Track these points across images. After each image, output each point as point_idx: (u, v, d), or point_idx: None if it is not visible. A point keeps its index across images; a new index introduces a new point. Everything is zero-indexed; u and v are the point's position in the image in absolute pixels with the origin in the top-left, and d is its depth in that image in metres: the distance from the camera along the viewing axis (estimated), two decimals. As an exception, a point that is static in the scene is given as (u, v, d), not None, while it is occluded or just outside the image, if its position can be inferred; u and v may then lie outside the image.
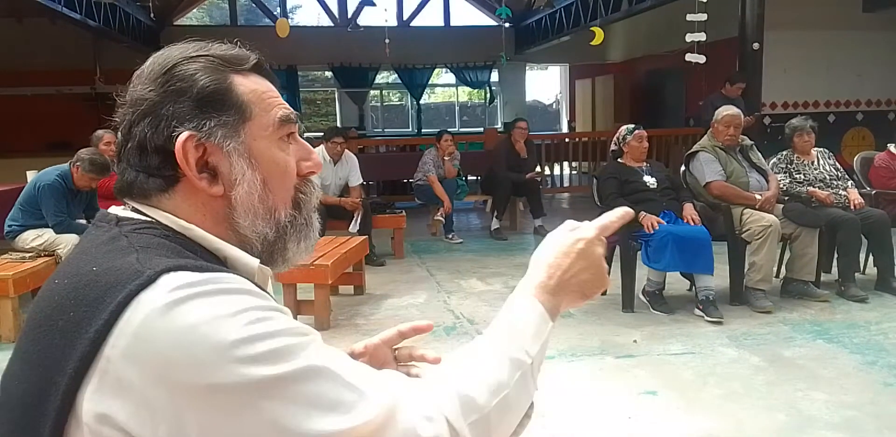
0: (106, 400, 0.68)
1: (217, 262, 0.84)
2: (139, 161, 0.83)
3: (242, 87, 0.86)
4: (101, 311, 0.69)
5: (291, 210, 0.91)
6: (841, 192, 4.81)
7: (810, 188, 4.74)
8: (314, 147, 5.64)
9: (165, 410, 0.66)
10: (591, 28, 8.66)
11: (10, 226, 4.61)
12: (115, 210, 0.87)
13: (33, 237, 4.52)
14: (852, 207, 4.68)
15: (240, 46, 0.91)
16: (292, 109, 0.91)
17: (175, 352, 0.66)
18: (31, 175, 5.04)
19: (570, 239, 0.93)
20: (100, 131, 5.47)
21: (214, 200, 0.85)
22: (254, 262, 0.87)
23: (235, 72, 0.87)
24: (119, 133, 0.86)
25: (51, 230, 4.52)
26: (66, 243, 4.47)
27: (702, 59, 6.68)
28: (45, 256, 4.44)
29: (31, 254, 4.44)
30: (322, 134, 6.49)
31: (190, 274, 0.72)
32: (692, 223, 4.31)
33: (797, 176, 4.85)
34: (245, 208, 0.86)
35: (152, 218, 0.84)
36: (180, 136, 0.81)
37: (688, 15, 6.64)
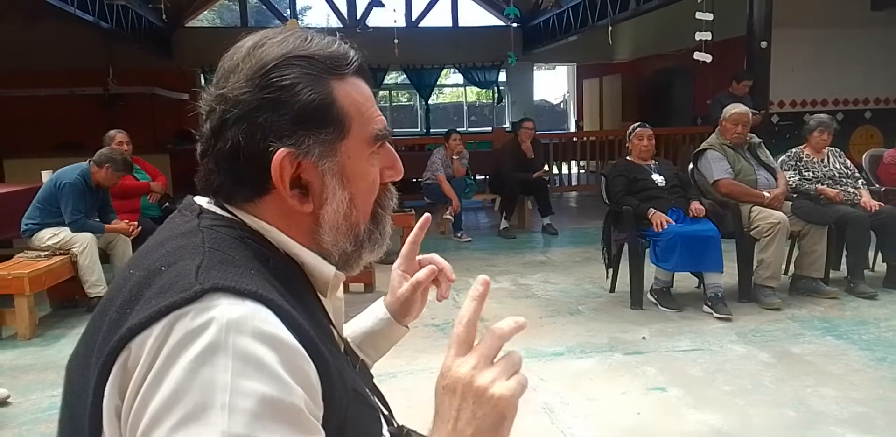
0: (115, 397, 0.70)
1: (293, 266, 0.85)
2: (230, 167, 0.81)
3: (344, 99, 0.83)
4: (141, 311, 0.70)
5: (370, 225, 0.91)
6: (850, 189, 4.81)
7: (819, 186, 4.74)
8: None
9: (143, 422, 0.67)
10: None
11: (27, 224, 4.67)
12: (200, 201, 0.86)
13: (49, 236, 4.57)
14: (868, 210, 4.66)
15: (339, 40, 0.86)
16: (385, 122, 0.89)
17: (165, 390, 0.66)
18: (45, 175, 5.09)
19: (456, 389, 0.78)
20: (112, 132, 5.52)
21: (301, 215, 0.84)
22: (330, 270, 0.88)
23: (337, 77, 0.83)
24: (206, 125, 0.82)
25: (67, 229, 4.57)
26: (82, 242, 4.52)
27: (708, 57, 6.69)
28: (60, 254, 4.49)
29: (46, 252, 4.49)
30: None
31: (231, 305, 0.70)
32: (697, 214, 4.33)
33: (806, 173, 4.86)
34: (330, 226, 0.85)
35: (235, 216, 0.83)
36: (278, 152, 0.79)
37: (697, 13, 6.65)
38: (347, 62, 0.84)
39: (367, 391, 0.96)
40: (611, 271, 4.81)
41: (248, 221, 0.83)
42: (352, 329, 1.18)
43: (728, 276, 4.39)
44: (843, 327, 3.99)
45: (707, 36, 6.64)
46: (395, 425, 1.03)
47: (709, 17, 6.63)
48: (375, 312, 1.20)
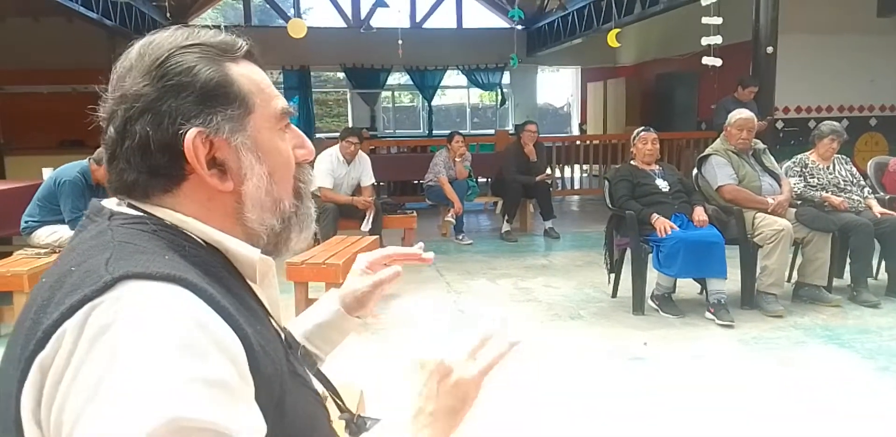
0: (31, 400, 0.68)
1: (215, 255, 0.83)
2: (142, 161, 0.80)
3: (242, 77, 0.85)
4: (54, 312, 0.69)
5: (294, 200, 0.91)
6: (855, 197, 4.79)
7: (824, 194, 4.72)
8: (328, 148, 5.60)
9: (64, 418, 0.65)
10: (609, 34, 8.64)
11: (26, 222, 4.65)
12: (109, 204, 0.85)
13: (48, 234, 4.56)
14: (877, 217, 4.64)
15: (224, 31, 0.89)
16: (285, 100, 0.91)
17: (90, 376, 0.64)
18: (46, 172, 5.08)
19: (428, 384, 0.88)
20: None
21: (222, 195, 0.83)
22: (255, 253, 0.86)
23: (230, 60, 0.85)
24: (110, 129, 0.82)
25: (66, 227, 4.56)
26: (81, 239, 4.50)
27: (718, 62, 6.68)
28: (59, 252, 4.46)
29: (45, 250, 4.47)
30: (338, 134, 6.53)
31: (145, 291, 0.69)
32: (701, 225, 4.31)
33: (811, 180, 4.83)
34: (254, 202, 0.85)
35: (147, 212, 0.82)
36: (188, 132, 0.79)
37: (703, 18, 6.64)
38: (238, 46, 0.87)
39: (311, 376, 0.97)
40: (613, 275, 4.78)
41: (163, 215, 0.82)
42: (302, 321, 1.19)
43: (730, 282, 4.36)
44: (846, 335, 3.97)
45: (716, 40, 6.62)
46: (349, 412, 1.06)
47: (717, 21, 6.61)
48: (327, 304, 1.21)
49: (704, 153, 4.83)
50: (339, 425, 1.04)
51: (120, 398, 0.63)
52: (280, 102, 0.89)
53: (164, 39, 0.84)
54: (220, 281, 0.80)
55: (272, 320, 0.91)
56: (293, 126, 0.93)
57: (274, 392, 0.78)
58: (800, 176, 4.84)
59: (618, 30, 8.73)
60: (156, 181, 0.82)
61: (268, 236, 0.88)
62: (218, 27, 0.89)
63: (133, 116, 0.80)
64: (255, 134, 0.85)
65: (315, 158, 1.27)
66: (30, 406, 0.68)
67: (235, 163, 0.83)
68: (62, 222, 4.59)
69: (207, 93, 0.81)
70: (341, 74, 14.62)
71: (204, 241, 0.83)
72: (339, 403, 1.04)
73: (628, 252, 4.53)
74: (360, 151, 6.20)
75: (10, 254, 4.52)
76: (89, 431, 0.62)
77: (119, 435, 0.61)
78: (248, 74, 0.86)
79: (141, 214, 0.82)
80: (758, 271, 4.43)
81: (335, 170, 6.00)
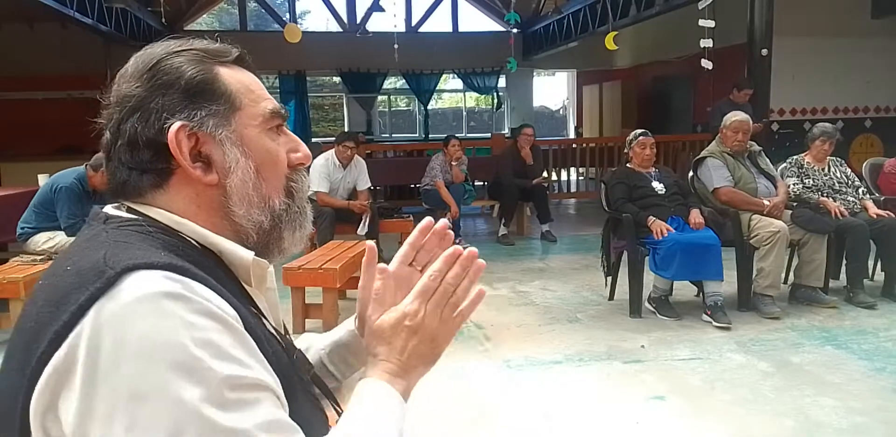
0: (46, 399, 0.68)
1: (210, 257, 0.84)
2: (131, 157, 0.83)
3: (230, 78, 0.87)
4: (63, 312, 0.69)
5: (285, 199, 0.91)
6: (850, 198, 4.80)
7: (822, 199, 4.71)
8: (324, 152, 5.58)
9: (96, 416, 0.65)
10: (607, 37, 8.66)
11: (22, 228, 4.64)
12: (107, 209, 0.86)
13: (45, 240, 4.55)
14: (873, 218, 4.65)
15: (220, 42, 0.92)
16: (280, 104, 0.92)
17: (121, 367, 0.66)
18: (42, 179, 5.08)
19: (392, 320, 0.90)
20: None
21: (209, 189, 0.84)
22: (248, 255, 0.87)
23: (220, 63, 0.88)
24: (107, 132, 0.85)
25: (62, 233, 4.55)
26: (77, 245, 4.50)
27: (709, 65, 6.71)
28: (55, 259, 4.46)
29: (41, 257, 4.46)
30: (334, 139, 6.53)
31: (152, 279, 0.70)
32: (697, 227, 4.31)
33: (806, 181, 4.84)
34: (240, 196, 0.86)
35: (142, 214, 0.83)
36: (172, 126, 0.81)
37: (700, 21, 6.66)
38: (228, 52, 0.90)
39: (308, 379, 0.98)
40: (610, 278, 4.79)
41: (158, 216, 0.84)
42: (322, 338, 1.16)
43: (727, 285, 4.36)
44: (843, 336, 3.97)
45: (708, 43, 6.66)
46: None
47: (711, 24, 6.64)
48: (346, 324, 1.17)
49: (700, 156, 4.84)
50: None
51: (154, 397, 0.65)
52: (270, 103, 0.90)
53: (159, 46, 0.88)
54: (216, 282, 0.79)
55: (269, 324, 0.91)
56: (288, 131, 0.94)
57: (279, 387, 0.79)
58: (797, 177, 4.85)
59: (615, 33, 8.75)
60: (145, 177, 0.84)
61: (257, 233, 0.89)
62: (213, 38, 0.91)
63: (125, 116, 0.83)
64: (242, 130, 0.86)
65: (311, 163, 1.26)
66: (41, 407, 0.68)
67: (220, 156, 0.85)
68: (58, 228, 4.58)
69: (192, 88, 0.84)
70: (337, 79, 14.62)
71: (199, 243, 0.84)
72: (336, 407, 1.04)
73: (625, 255, 4.54)
74: (356, 156, 6.21)
75: (5, 261, 4.52)
76: (137, 422, 0.65)
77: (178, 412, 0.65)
78: (236, 76, 0.89)
79: (136, 216, 0.83)
80: (754, 273, 4.44)
81: (331, 174, 6.00)
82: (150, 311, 0.68)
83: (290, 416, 0.81)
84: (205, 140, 0.84)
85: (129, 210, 0.84)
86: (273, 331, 0.91)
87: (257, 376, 0.71)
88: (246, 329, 0.75)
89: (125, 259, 0.72)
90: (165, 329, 0.67)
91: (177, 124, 0.81)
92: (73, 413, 0.66)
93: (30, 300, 0.77)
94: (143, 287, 0.69)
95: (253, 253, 0.87)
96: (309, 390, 0.96)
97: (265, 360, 0.76)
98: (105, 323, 0.67)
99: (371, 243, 1.10)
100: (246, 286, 0.89)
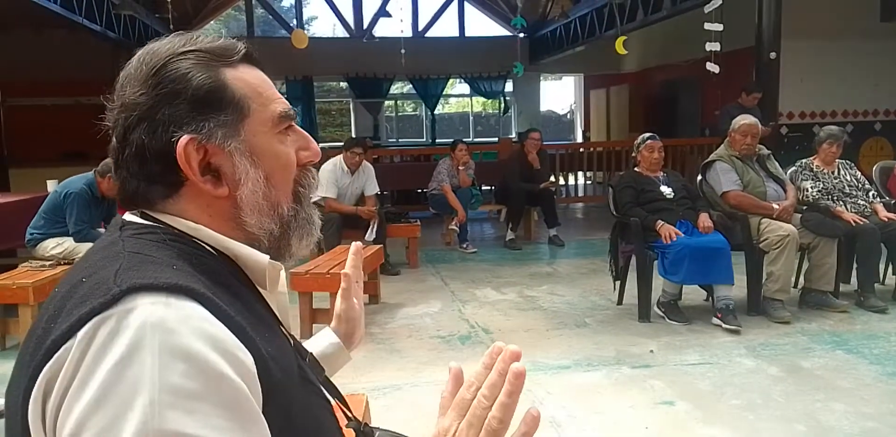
0: (38, 410, 0.69)
1: (225, 261, 0.84)
2: (140, 169, 0.82)
3: (237, 82, 0.85)
4: (64, 322, 0.69)
5: (293, 204, 0.91)
6: (860, 201, 4.77)
7: (838, 209, 4.66)
8: (331, 158, 5.57)
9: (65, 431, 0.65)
10: (617, 41, 8.65)
11: (31, 234, 4.66)
12: (126, 215, 0.86)
13: (53, 245, 4.56)
14: (884, 221, 4.60)
15: (226, 37, 0.89)
16: (288, 104, 0.90)
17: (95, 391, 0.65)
18: (51, 185, 5.10)
19: None
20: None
21: (219, 201, 0.84)
22: (264, 259, 0.87)
23: (226, 65, 0.85)
24: (113, 138, 0.84)
25: (71, 239, 4.56)
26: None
27: (716, 68, 6.69)
28: (64, 264, 4.47)
29: (50, 262, 4.48)
30: (341, 144, 6.54)
31: (149, 305, 0.69)
32: (706, 231, 4.29)
33: (817, 184, 4.81)
34: (251, 207, 0.85)
35: (158, 221, 0.83)
36: (180, 140, 0.80)
37: (706, 24, 6.65)
38: (235, 51, 0.87)
39: (319, 383, 0.96)
40: (618, 283, 4.77)
41: (173, 222, 0.83)
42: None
43: (737, 289, 4.34)
44: (853, 341, 3.94)
45: (715, 47, 6.64)
46: (356, 421, 1.05)
47: (718, 27, 6.62)
48: (324, 333, 1.21)
49: (708, 159, 4.81)
50: (347, 434, 1.04)
51: (123, 411, 0.64)
52: (279, 105, 0.88)
53: (163, 47, 0.85)
54: (229, 289, 0.80)
55: (282, 327, 0.91)
56: (298, 128, 0.92)
57: (282, 399, 0.78)
58: (812, 180, 4.80)
59: (624, 37, 8.73)
60: (155, 189, 0.83)
61: (268, 240, 0.89)
62: (218, 34, 0.89)
63: (131, 124, 0.81)
64: (251, 138, 0.85)
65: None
66: (36, 415, 0.69)
67: (230, 168, 0.83)
68: (67, 234, 4.59)
69: (199, 99, 0.81)
70: (344, 84, 14.67)
71: (214, 248, 0.84)
72: (346, 411, 1.04)
73: (633, 259, 4.52)
74: (363, 161, 6.21)
75: (15, 266, 4.53)
76: None
77: None
78: (244, 78, 0.86)
79: (151, 223, 0.83)
80: (764, 277, 4.41)
81: (339, 180, 6.00)
82: (138, 340, 0.66)
83: (301, 418, 0.82)
84: (213, 152, 0.82)
85: (144, 216, 0.84)
86: (286, 333, 0.92)
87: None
88: (248, 345, 0.73)
89: (133, 277, 0.71)
90: (135, 363, 0.66)
91: (185, 138, 0.80)
92: (50, 425, 0.67)
93: (44, 307, 0.78)
94: (137, 315, 0.68)
95: (268, 257, 0.88)
96: (320, 394, 0.96)
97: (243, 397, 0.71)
98: (96, 340, 0.67)
99: (345, 271, 1.17)
100: (260, 289, 0.89)
